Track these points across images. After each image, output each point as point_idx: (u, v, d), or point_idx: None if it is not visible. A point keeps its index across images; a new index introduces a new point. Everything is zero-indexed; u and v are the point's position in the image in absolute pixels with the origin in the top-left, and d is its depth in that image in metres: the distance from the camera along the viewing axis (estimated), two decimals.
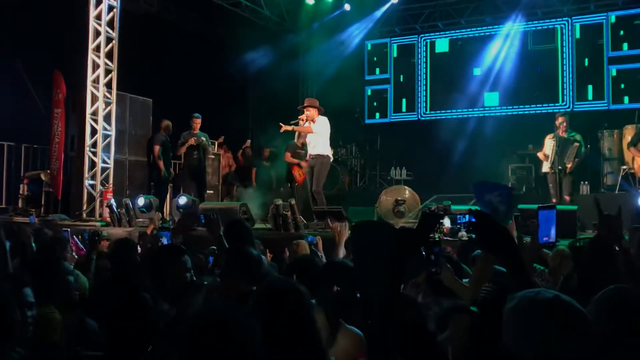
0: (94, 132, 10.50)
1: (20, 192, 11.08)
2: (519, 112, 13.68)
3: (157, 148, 10.55)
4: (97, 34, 10.48)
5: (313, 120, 8.98)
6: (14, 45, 10.54)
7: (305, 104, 9.20)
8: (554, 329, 1.60)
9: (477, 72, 14.07)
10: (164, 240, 3.88)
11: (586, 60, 13.09)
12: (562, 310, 1.63)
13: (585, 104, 12.96)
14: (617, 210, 2.93)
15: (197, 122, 10.48)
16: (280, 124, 9.09)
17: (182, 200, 9.29)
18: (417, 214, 8.66)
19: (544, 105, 13.39)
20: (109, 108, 10.62)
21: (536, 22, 13.64)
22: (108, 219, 9.42)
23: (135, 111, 11.47)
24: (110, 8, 10.55)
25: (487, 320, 2.09)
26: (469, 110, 14.18)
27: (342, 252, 4.62)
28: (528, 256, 3.01)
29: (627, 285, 2.44)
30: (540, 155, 9.69)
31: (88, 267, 4.47)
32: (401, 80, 15.16)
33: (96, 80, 10.49)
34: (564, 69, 13.27)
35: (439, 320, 2.47)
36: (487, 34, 14.15)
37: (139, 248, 4.72)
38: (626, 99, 12.56)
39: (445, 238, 6.36)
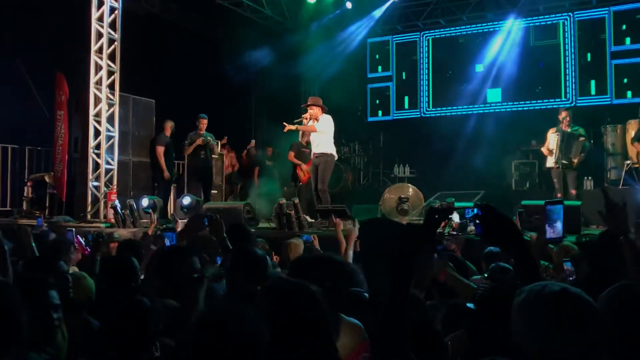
0: (97, 133, 10.53)
1: (25, 194, 11.11)
2: (522, 108, 13.66)
3: (160, 149, 10.57)
4: (100, 35, 10.50)
5: (316, 119, 8.98)
6: (16, 48, 10.56)
7: (308, 103, 9.20)
8: (561, 323, 1.58)
9: (480, 68, 14.05)
10: (167, 241, 3.89)
11: (588, 55, 13.06)
12: (570, 303, 1.61)
13: (588, 99, 12.93)
14: (622, 203, 2.92)
15: (204, 123, 10.52)
16: (284, 123, 9.10)
17: (186, 200, 9.31)
18: (421, 211, 8.66)
19: (546, 100, 13.37)
20: (112, 109, 10.64)
21: (538, 17, 13.62)
22: (112, 220, 9.44)
23: (139, 112, 11.50)
24: (112, 9, 10.57)
25: (485, 317, 2.09)
26: (472, 106, 14.17)
27: (351, 253, 4.64)
28: (534, 252, 3.00)
29: (634, 280, 2.45)
30: (544, 150, 9.69)
31: (92, 268, 4.48)
32: (403, 77, 15.16)
33: (99, 82, 10.51)
34: (566, 64, 13.25)
35: (444, 319, 2.48)
36: (488, 30, 14.13)
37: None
38: (629, 93, 12.52)
39: (454, 233, 6.36)
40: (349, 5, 14.10)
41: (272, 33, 14.73)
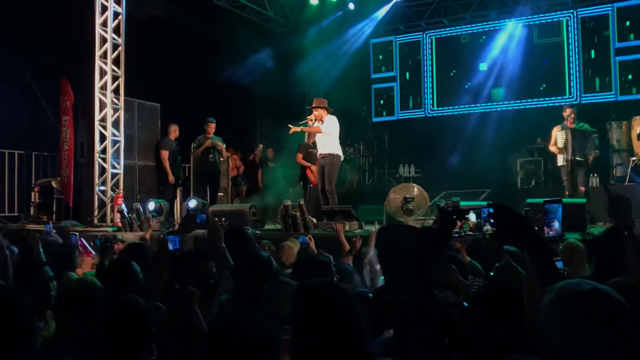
0: (103, 138, 10.57)
1: (32, 199, 11.16)
2: (526, 106, 13.65)
3: (164, 153, 10.62)
4: (104, 40, 10.54)
5: (322, 120, 8.99)
6: (21, 54, 10.61)
7: (313, 104, 9.22)
8: (592, 321, 1.58)
9: (483, 67, 14.05)
10: (171, 245, 3.91)
11: (592, 52, 13.05)
12: (601, 301, 1.60)
13: (593, 96, 12.92)
14: (626, 196, 2.92)
15: (212, 127, 10.58)
16: (289, 125, 9.11)
17: (192, 203, 9.34)
18: (427, 211, 8.66)
19: (551, 98, 13.36)
20: (117, 114, 10.68)
21: (541, 15, 13.61)
22: (119, 224, 9.48)
23: (144, 116, 11.53)
24: (116, 14, 10.61)
25: (479, 316, 2.10)
26: (476, 105, 14.16)
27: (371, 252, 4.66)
28: None
29: (636, 275, 2.45)
30: (553, 148, 9.60)
31: (101, 273, 4.51)
32: (407, 77, 15.17)
33: (104, 87, 10.56)
34: (571, 61, 13.23)
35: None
36: (492, 28, 14.12)
37: None
38: (634, 89, 12.51)
39: (470, 233, 6.35)
40: (351, 6, 14.11)
41: (275, 35, 14.76)
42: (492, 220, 1.99)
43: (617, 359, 1.56)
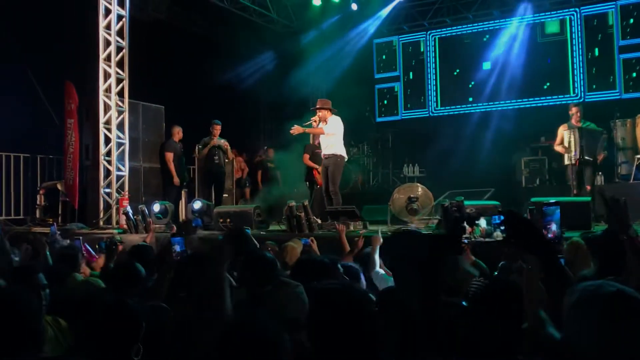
0: (107, 140, 10.61)
1: (38, 202, 11.22)
2: (530, 105, 13.63)
3: (169, 155, 10.66)
4: (108, 43, 10.58)
5: (325, 121, 9.01)
6: (25, 57, 10.66)
7: (317, 105, 9.23)
8: (617, 323, 1.58)
9: (487, 66, 14.04)
10: (178, 247, 3.92)
11: (596, 50, 13.02)
12: (626, 303, 1.61)
13: (597, 94, 12.89)
14: (622, 200, 2.93)
15: (217, 129, 10.65)
16: (295, 125, 9.12)
17: (197, 204, 9.37)
18: (431, 210, 8.66)
19: (554, 97, 13.33)
20: (121, 116, 10.72)
21: (544, 13, 13.59)
22: (125, 226, 9.51)
23: (148, 118, 11.57)
24: (120, 17, 10.64)
25: (477, 315, 2.11)
26: (480, 104, 14.15)
27: (376, 257, 4.67)
28: None
29: (633, 277, 2.45)
30: (559, 148, 9.57)
31: (106, 275, 4.54)
32: (410, 77, 15.17)
33: (108, 90, 10.59)
34: (574, 59, 13.20)
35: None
36: (495, 27, 14.11)
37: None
38: (638, 87, 12.47)
39: (481, 239, 6.34)
40: (354, 6, 14.12)
41: (278, 36, 14.77)
42: (502, 227, 2.02)
43: None
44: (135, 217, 9.24)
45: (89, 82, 10.70)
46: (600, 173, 10.02)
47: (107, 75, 10.60)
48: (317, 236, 6.68)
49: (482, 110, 14.11)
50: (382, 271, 4.55)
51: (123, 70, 10.67)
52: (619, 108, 10.80)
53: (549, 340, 1.90)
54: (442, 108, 14.80)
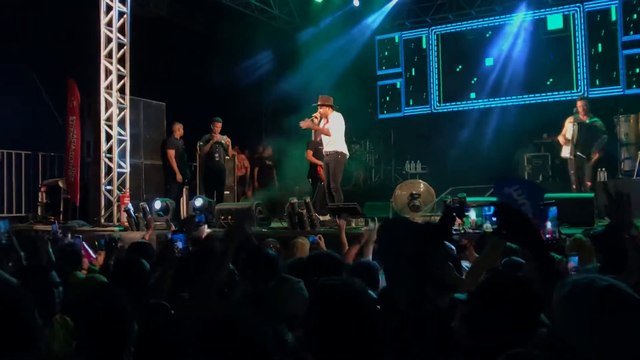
0: (109, 137, 10.60)
1: (39, 200, 11.22)
2: (533, 101, 13.57)
3: (171, 152, 10.66)
4: (109, 40, 10.56)
5: (326, 117, 9.00)
6: (26, 55, 10.65)
7: (318, 102, 9.21)
8: (608, 318, 1.57)
9: (490, 62, 13.99)
10: (181, 244, 3.90)
11: (599, 45, 12.95)
12: (617, 298, 1.60)
13: (600, 89, 12.82)
14: (626, 195, 2.90)
15: (218, 126, 10.66)
16: (306, 119, 9.09)
17: (199, 201, 9.36)
18: (433, 207, 8.64)
19: (557, 93, 13.27)
20: (123, 113, 10.71)
21: (547, 9, 13.52)
22: (126, 224, 9.51)
23: (149, 115, 11.56)
24: (121, 14, 10.63)
25: (480, 308, 2.09)
26: (482, 101, 14.10)
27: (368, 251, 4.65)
28: None
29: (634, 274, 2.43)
30: (560, 138, 9.57)
31: (106, 272, 4.52)
32: (413, 73, 15.12)
33: (109, 87, 10.58)
34: (577, 55, 13.14)
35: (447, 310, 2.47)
36: (498, 23, 14.05)
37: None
38: None
39: (470, 231, 6.33)
40: (356, 2, 14.08)
41: (280, 33, 14.73)
42: (494, 218, 2.01)
43: (633, 356, 1.56)
44: (136, 214, 9.23)
45: (91, 79, 10.69)
46: (603, 169, 10.00)
47: (108, 72, 10.59)
48: (318, 233, 6.66)
49: (485, 106, 14.06)
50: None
51: (124, 67, 10.66)
52: (622, 104, 10.76)
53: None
54: (444, 104, 14.75)
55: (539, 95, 13.52)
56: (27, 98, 10.86)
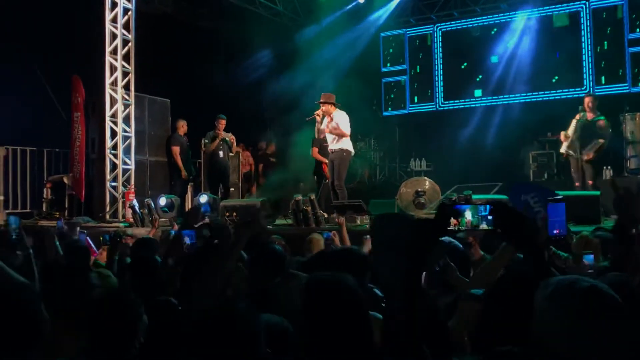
0: (114, 134, 10.61)
1: (44, 196, 11.24)
2: (538, 99, 13.53)
3: (175, 149, 10.67)
4: (114, 36, 10.56)
5: (329, 115, 8.99)
6: (32, 52, 10.67)
7: (321, 100, 9.19)
8: (589, 319, 1.57)
9: (495, 59, 13.95)
10: (188, 240, 3.88)
11: (605, 43, 12.89)
12: (599, 299, 1.59)
13: (606, 87, 12.77)
14: (635, 191, 2.89)
15: (222, 123, 10.65)
16: (315, 113, 9.08)
17: (203, 198, 9.35)
18: (438, 204, 8.62)
19: (563, 90, 13.22)
20: (127, 110, 10.71)
21: (553, 6, 13.47)
22: (131, 220, 9.52)
23: (154, 112, 11.56)
24: (126, 10, 10.62)
25: (495, 307, 2.08)
26: (488, 98, 14.07)
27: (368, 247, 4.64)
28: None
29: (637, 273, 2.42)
30: (562, 134, 9.58)
31: (110, 268, 4.53)
32: (418, 70, 15.09)
33: (114, 83, 10.58)
34: (583, 53, 13.09)
35: (447, 308, 2.47)
36: (503, 21, 14.00)
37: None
38: None
39: (464, 229, 6.31)
40: None
41: (285, 29, 14.72)
42: (489, 218, 1.98)
43: (613, 358, 1.56)
44: (141, 210, 9.24)
45: (96, 75, 10.69)
46: (609, 167, 9.97)
47: (113, 69, 10.59)
48: (324, 230, 6.64)
49: (490, 104, 14.02)
50: None
51: (129, 64, 10.66)
52: (628, 101, 10.73)
53: None
54: (449, 102, 14.71)
55: (544, 92, 13.47)
56: (32, 94, 10.88)
